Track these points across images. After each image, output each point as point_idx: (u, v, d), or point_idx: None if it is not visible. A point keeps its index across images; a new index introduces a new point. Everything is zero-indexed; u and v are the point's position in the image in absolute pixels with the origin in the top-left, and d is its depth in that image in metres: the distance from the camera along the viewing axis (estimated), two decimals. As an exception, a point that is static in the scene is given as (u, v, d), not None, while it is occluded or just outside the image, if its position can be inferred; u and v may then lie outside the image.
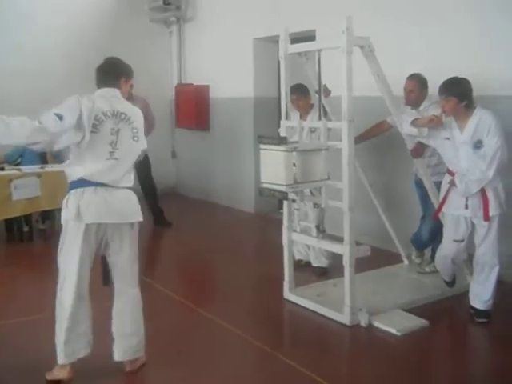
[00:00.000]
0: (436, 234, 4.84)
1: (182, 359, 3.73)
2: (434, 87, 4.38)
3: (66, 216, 3.26)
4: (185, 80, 9.27)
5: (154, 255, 6.77)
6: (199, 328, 4.27)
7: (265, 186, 4.18)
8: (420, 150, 4.73)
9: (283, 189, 4.03)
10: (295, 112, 5.20)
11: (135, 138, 3.39)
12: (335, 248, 4.34)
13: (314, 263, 5.38)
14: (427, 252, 5.26)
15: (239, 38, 7.91)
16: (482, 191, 4.05)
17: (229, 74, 8.20)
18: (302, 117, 5.17)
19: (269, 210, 7.79)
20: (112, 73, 3.45)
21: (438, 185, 4.52)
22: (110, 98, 3.36)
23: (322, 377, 3.44)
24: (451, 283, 4.63)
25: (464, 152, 4.08)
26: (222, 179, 8.60)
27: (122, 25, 8.91)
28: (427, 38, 5.46)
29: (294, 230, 4.66)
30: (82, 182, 3.24)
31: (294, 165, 4.08)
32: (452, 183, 4.16)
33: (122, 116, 3.33)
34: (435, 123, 4.14)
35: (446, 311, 4.52)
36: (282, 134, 4.54)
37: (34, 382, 3.43)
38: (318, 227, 4.56)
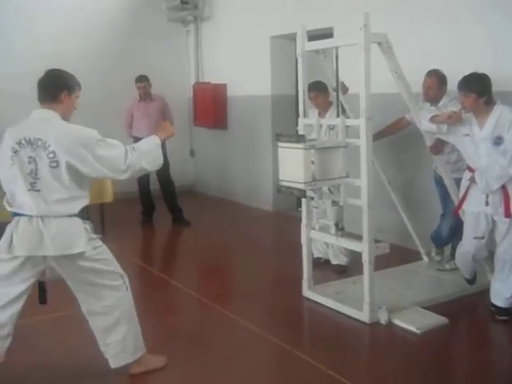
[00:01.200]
0: (456, 231, 4.81)
1: (201, 357, 3.74)
2: (453, 83, 4.35)
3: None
4: (202, 79, 9.29)
5: (173, 253, 6.82)
6: (218, 326, 4.29)
7: (283, 183, 4.18)
8: (439, 146, 4.70)
9: (301, 186, 4.02)
10: (314, 109, 5.20)
11: (53, 164, 3.05)
12: (354, 246, 4.33)
13: (333, 261, 5.37)
14: (447, 249, 5.22)
15: (256, 36, 7.91)
16: (503, 188, 4.01)
17: (246, 73, 8.21)
18: (321, 114, 5.16)
19: (287, 208, 7.79)
20: (51, 88, 3.19)
21: (458, 181, 4.49)
22: (34, 122, 3.15)
23: (342, 375, 3.44)
24: (471, 281, 4.59)
25: (484, 148, 4.04)
26: (240, 177, 8.61)
27: (140, 24, 8.97)
28: (446, 33, 5.41)
29: (313, 228, 4.66)
30: (17, 213, 3.13)
31: (313, 162, 4.08)
32: (472, 180, 4.12)
33: (39, 142, 3.06)
34: (454, 119, 4.11)
35: (466, 309, 4.48)
36: (300, 131, 4.53)
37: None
38: (336, 225, 4.56)
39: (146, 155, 3.28)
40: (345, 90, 5.04)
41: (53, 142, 3.05)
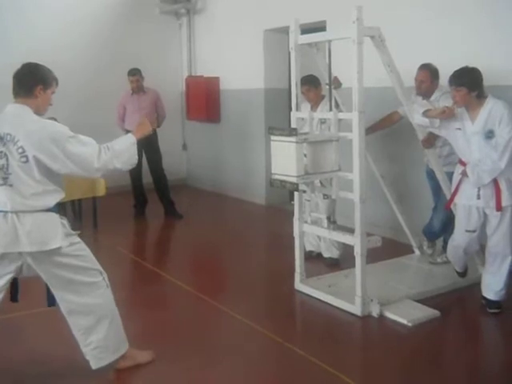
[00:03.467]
0: (448, 225, 4.83)
1: (194, 350, 3.74)
2: (445, 77, 4.36)
3: None
4: (195, 72, 9.27)
5: (165, 247, 6.82)
6: (209, 319, 4.30)
7: (276, 177, 4.19)
8: (431, 140, 4.71)
9: (294, 180, 4.03)
10: (306, 103, 5.20)
11: (23, 159, 3.00)
12: (346, 239, 4.35)
13: (325, 254, 5.39)
14: (439, 243, 5.25)
15: (249, 29, 7.90)
16: (495, 181, 4.03)
17: (239, 66, 8.20)
18: (313, 108, 5.16)
19: (280, 202, 7.80)
20: (25, 82, 3.11)
21: (450, 175, 4.51)
22: (5, 117, 3.08)
23: (334, 367, 3.46)
24: (463, 274, 4.62)
25: (476, 142, 4.06)
26: (233, 171, 8.61)
27: (133, 17, 8.94)
28: (438, 27, 5.42)
29: (305, 222, 4.67)
30: None
31: (305, 156, 4.09)
32: (464, 174, 4.14)
33: (8, 137, 3.01)
34: (447, 114, 4.12)
35: (457, 302, 4.51)
36: (293, 125, 4.53)
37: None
38: (328, 218, 4.57)
39: (121, 155, 3.18)
40: (338, 84, 5.04)
41: (22, 137, 3.00)
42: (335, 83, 4.90)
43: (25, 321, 4.16)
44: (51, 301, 3.29)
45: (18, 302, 3.35)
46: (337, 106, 4.88)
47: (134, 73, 7.22)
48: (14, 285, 3.27)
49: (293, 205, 4.83)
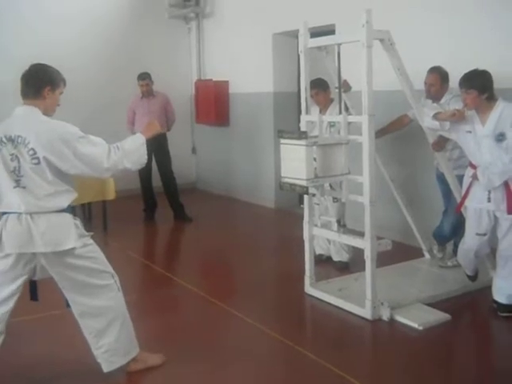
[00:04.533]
0: (458, 228, 4.81)
1: (204, 353, 3.75)
2: (454, 80, 4.35)
3: None
4: (204, 76, 9.29)
5: (175, 250, 6.84)
6: (220, 322, 4.30)
7: (285, 180, 4.19)
8: (442, 143, 4.70)
9: (304, 183, 4.03)
10: (315, 106, 5.20)
11: (34, 161, 3.02)
12: (356, 242, 4.34)
13: (335, 258, 5.38)
14: (449, 246, 5.23)
15: (258, 32, 7.91)
16: (506, 184, 4.01)
17: (248, 70, 8.21)
18: (322, 111, 5.16)
19: (289, 205, 7.79)
20: (32, 83, 3.12)
21: (460, 178, 4.49)
22: (15, 119, 3.11)
23: (344, 370, 3.45)
24: (474, 277, 4.59)
25: (486, 145, 4.04)
26: (243, 174, 8.62)
27: (142, 21, 8.99)
28: (448, 31, 5.41)
29: (315, 225, 4.66)
30: (5, 211, 3.11)
31: (315, 159, 4.09)
32: (474, 177, 4.12)
33: (19, 139, 3.03)
34: (458, 117, 4.11)
35: (468, 305, 4.49)
36: (303, 128, 4.54)
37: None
38: (338, 221, 4.57)
39: (130, 155, 3.20)
40: (347, 88, 5.04)
41: (32, 139, 3.01)
42: (345, 87, 4.91)
43: (38, 323, 4.18)
44: (33, 295, 3.32)
45: (38, 301, 3.37)
46: (346, 109, 4.88)
47: (144, 77, 7.26)
48: (31, 284, 3.30)
49: (302, 208, 4.82)
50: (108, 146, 3.16)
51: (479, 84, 3.98)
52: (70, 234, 3.13)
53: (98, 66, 8.54)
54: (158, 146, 6.78)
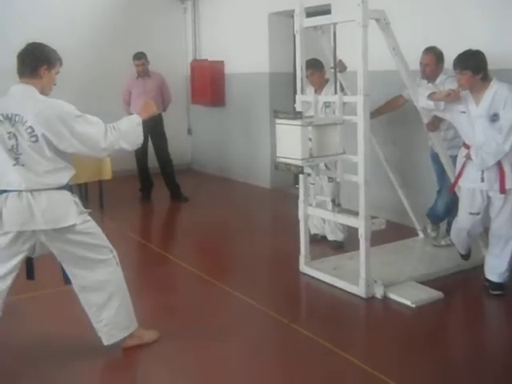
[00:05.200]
0: (452, 208, 4.86)
1: (199, 330, 3.80)
2: (449, 61, 4.36)
3: None
4: (200, 56, 9.27)
5: (171, 230, 6.87)
6: (215, 300, 4.35)
7: (281, 160, 4.22)
8: (436, 123, 4.72)
9: (299, 163, 4.06)
10: (310, 87, 5.21)
11: (32, 139, 3.04)
12: (350, 221, 4.38)
13: (330, 237, 5.42)
14: (443, 226, 5.28)
15: (254, 12, 7.88)
16: (499, 164, 4.05)
17: (244, 50, 8.19)
18: (317, 92, 5.17)
19: (285, 186, 7.83)
20: (28, 62, 3.12)
21: (454, 158, 4.52)
22: (12, 98, 3.10)
23: (338, 347, 3.51)
24: (466, 256, 4.65)
25: (480, 125, 4.07)
26: (238, 155, 8.64)
27: (137, 1, 8.92)
28: (443, 11, 5.41)
29: (310, 205, 4.70)
30: (5, 189, 3.12)
31: (310, 139, 4.11)
32: (468, 157, 4.16)
33: (17, 118, 3.03)
34: (453, 97, 4.13)
35: (461, 284, 4.55)
36: (298, 108, 4.55)
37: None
38: (333, 201, 4.61)
39: (127, 135, 3.24)
40: (343, 67, 5.04)
41: (30, 117, 3.03)
42: (340, 67, 4.91)
43: (35, 302, 4.23)
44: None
45: (35, 280, 3.40)
46: (342, 89, 4.89)
47: (140, 57, 7.23)
48: (28, 263, 3.33)
49: (297, 188, 4.86)
50: (105, 125, 3.18)
51: (473, 64, 4.00)
52: (71, 210, 3.17)
53: (93, 46, 8.49)
54: (153, 127, 6.77)
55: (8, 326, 3.46)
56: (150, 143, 7.22)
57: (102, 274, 3.33)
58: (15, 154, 3.07)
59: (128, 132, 3.25)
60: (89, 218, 3.31)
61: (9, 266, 3.19)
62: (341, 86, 4.87)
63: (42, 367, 3.39)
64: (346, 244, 5.29)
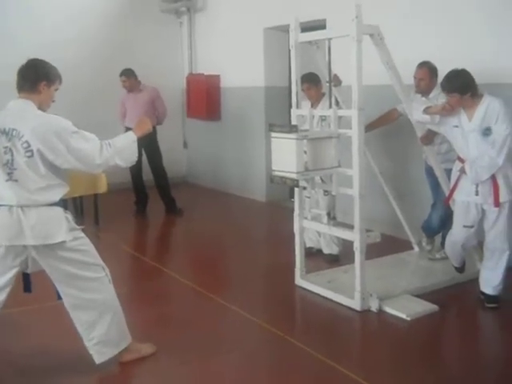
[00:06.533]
0: (446, 221, 4.88)
1: (193, 343, 3.79)
2: (443, 76, 4.40)
3: None
4: (196, 70, 9.31)
5: (166, 243, 6.87)
6: (211, 313, 4.35)
7: (276, 173, 4.24)
8: (430, 137, 4.76)
9: (294, 176, 4.08)
10: (306, 101, 5.25)
11: (28, 154, 3.03)
12: (346, 235, 4.40)
13: (325, 250, 5.43)
14: (437, 239, 5.30)
15: (249, 27, 7.94)
16: (493, 178, 4.08)
17: (239, 64, 8.24)
18: (313, 105, 5.21)
19: (280, 199, 7.84)
20: (29, 77, 3.15)
21: (449, 172, 4.55)
22: (10, 112, 3.12)
23: (333, 360, 3.50)
24: (461, 269, 4.66)
25: (473, 139, 4.10)
26: (234, 168, 8.66)
27: (134, 15, 8.99)
28: (437, 26, 5.46)
29: (305, 218, 4.72)
30: None
31: (305, 152, 4.14)
32: (462, 171, 4.19)
33: (14, 132, 3.04)
34: (447, 111, 4.16)
35: (455, 297, 4.56)
36: (293, 122, 4.58)
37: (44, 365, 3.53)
38: (328, 214, 4.62)
39: (122, 152, 3.24)
40: (338, 82, 5.08)
41: (27, 132, 3.03)
42: (335, 81, 4.95)
43: (32, 315, 4.21)
44: (27, 287, 3.35)
45: (31, 293, 3.39)
46: (337, 103, 4.92)
47: (122, 73, 7.31)
48: (25, 276, 3.32)
49: (293, 202, 4.88)
50: (100, 142, 3.18)
51: (459, 86, 4.03)
52: (61, 227, 3.15)
53: (91, 61, 8.53)
54: (147, 141, 6.77)
55: (3, 339, 3.45)
56: (144, 157, 7.24)
57: (94, 292, 3.30)
58: (9, 168, 3.07)
59: (123, 149, 3.26)
60: (81, 234, 3.29)
61: (3, 280, 3.18)
62: (336, 100, 4.91)
63: (36, 381, 3.37)
64: (341, 257, 5.30)
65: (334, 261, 5.31)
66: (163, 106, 7.48)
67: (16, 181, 3.08)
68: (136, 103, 7.24)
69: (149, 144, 7.02)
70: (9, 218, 3.09)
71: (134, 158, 3.33)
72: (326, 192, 5.02)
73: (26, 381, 3.38)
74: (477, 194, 4.16)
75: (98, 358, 3.37)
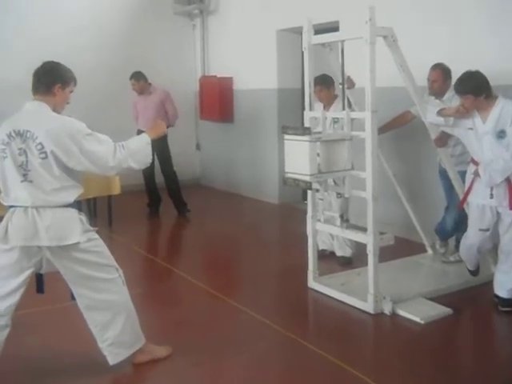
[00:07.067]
0: (460, 224, 4.85)
1: (208, 346, 3.80)
2: (456, 77, 4.38)
3: None
4: (208, 72, 9.33)
5: (179, 245, 6.89)
6: (223, 315, 4.35)
7: (289, 175, 4.24)
8: (444, 139, 4.73)
9: (307, 178, 4.07)
10: (319, 103, 5.24)
11: (42, 155, 3.06)
12: (359, 237, 4.38)
13: (338, 253, 5.42)
14: (451, 242, 5.27)
15: (262, 29, 7.95)
16: (507, 180, 4.04)
17: (252, 66, 8.25)
18: (326, 108, 5.20)
19: (293, 201, 7.84)
20: (44, 80, 3.17)
21: (462, 174, 4.53)
22: (25, 114, 3.16)
23: (347, 363, 3.50)
24: (475, 272, 4.63)
25: (487, 142, 4.08)
26: (246, 170, 8.67)
27: (146, 18, 9.03)
28: (451, 27, 5.44)
29: (318, 220, 4.71)
30: (13, 205, 3.15)
31: (318, 155, 4.13)
32: (476, 173, 4.16)
33: (28, 134, 3.06)
34: (462, 113, 4.14)
35: (469, 300, 4.53)
36: (306, 124, 4.58)
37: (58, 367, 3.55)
38: (341, 217, 4.61)
39: (135, 154, 3.26)
40: (351, 84, 5.07)
41: (40, 134, 3.05)
42: (349, 83, 4.95)
43: (44, 316, 4.24)
44: (39, 288, 3.36)
45: (44, 294, 3.41)
46: (350, 105, 4.91)
47: (131, 77, 7.36)
48: (38, 277, 3.34)
49: (306, 204, 4.87)
50: (114, 144, 3.20)
51: (473, 88, 4.01)
52: (75, 228, 3.17)
53: (103, 63, 8.58)
54: (158, 144, 6.80)
55: (16, 340, 3.47)
56: (156, 160, 7.26)
57: (107, 293, 3.32)
58: (24, 170, 3.10)
59: (137, 151, 3.27)
60: (95, 236, 3.31)
61: (17, 282, 3.20)
62: (349, 102, 4.90)
63: (49, 382, 3.39)
64: (354, 260, 5.28)
65: (347, 263, 5.29)
66: (173, 108, 7.50)
67: (31, 182, 3.10)
68: (146, 106, 7.28)
69: (159, 146, 7.03)
70: (24, 219, 3.11)
71: (147, 160, 3.35)
72: (339, 194, 5.00)
73: (39, 382, 3.40)
74: (491, 196, 4.13)
75: (112, 359, 3.39)
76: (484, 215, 4.20)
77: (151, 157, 3.37)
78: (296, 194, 7.76)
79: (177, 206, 7.53)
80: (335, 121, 5.07)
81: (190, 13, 9.41)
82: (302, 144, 4.06)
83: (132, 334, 3.44)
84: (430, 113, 4.41)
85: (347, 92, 4.75)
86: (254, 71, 8.26)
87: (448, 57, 5.03)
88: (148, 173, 7.34)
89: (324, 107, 5.19)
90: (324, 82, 5.22)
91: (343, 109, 4.46)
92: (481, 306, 4.46)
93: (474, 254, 4.43)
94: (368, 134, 4.12)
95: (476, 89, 4.00)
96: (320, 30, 4.75)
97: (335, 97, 5.27)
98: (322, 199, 5.06)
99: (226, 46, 8.84)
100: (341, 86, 4.57)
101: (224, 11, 8.87)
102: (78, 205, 3.29)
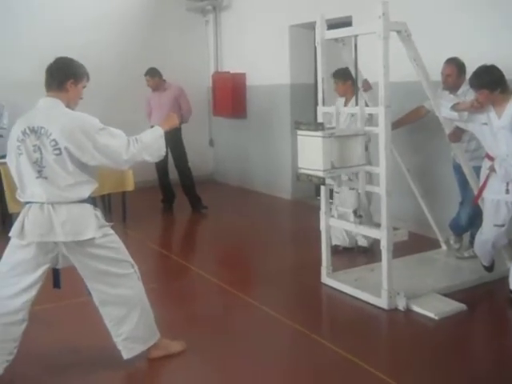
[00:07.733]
0: (475, 219, 4.83)
1: (222, 341, 3.81)
2: (471, 72, 4.35)
3: (11, 232, 3.20)
4: (221, 68, 9.34)
5: (193, 241, 6.91)
6: (237, 311, 4.37)
7: (302, 171, 4.23)
8: (458, 134, 4.71)
9: (321, 174, 4.07)
10: (341, 98, 5.24)
11: (56, 152, 3.08)
12: (372, 233, 4.38)
13: (360, 242, 5.46)
14: (466, 237, 5.24)
15: (275, 25, 7.94)
16: (523, 176, 4.02)
17: (265, 62, 8.24)
18: (346, 102, 5.20)
19: (306, 197, 7.83)
20: (57, 76, 3.19)
21: (477, 170, 4.50)
22: (38, 111, 3.17)
23: (361, 359, 3.49)
24: (490, 268, 4.61)
25: (503, 137, 4.05)
26: (260, 166, 8.67)
27: (159, 14, 9.05)
28: (465, 21, 5.40)
29: (332, 216, 4.70)
30: (29, 201, 3.18)
31: (331, 150, 4.12)
32: (491, 169, 4.13)
33: (42, 130, 3.08)
34: (476, 107, 4.11)
35: (484, 296, 4.51)
36: (319, 119, 4.57)
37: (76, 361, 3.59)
38: (355, 212, 4.60)
39: (149, 147, 3.27)
40: (368, 87, 5.04)
41: (54, 130, 3.07)
42: (365, 86, 4.95)
43: (60, 311, 4.28)
44: (56, 283, 3.39)
45: (60, 289, 3.43)
46: (366, 103, 4.90)
47: (146, 73, 7.39)
48: (55, 272, 3.37)
49: (319, 200, 4.86)
50: (127, 138, 3.21)
51: (488, 82, 3.97)
52: (90, 224, 3.19)
53: (116, 59, 8.62)
54: (172, 139, 6.83)
55: (33, 335, 3.51)
56: (170, 156, 7.29)
57: (123, 288, 3.34)
58: (39, 166, 3.12)
59: (151, 144, 3.29)
60: (110, 231, 3.33)
61: (34, 277, 3.23)
62: (365, 102, 4.88)
63: (65, 376, 3.42)
64: (369, 254, 5.29)
65: (365, 252, 5.37)
66: (188, 104, 7.52)
67: (46, 178, 3.13)
68: (160, 102, 7.31)
69: (173, 142, 7.07)
70: (40, 215, 3.14)
71: (161, 152, 3.36)
72: (353, 189, 5.00)
73: (55, 376, 3.43)
74: (507, 192, 4.11)
75: (126, 354, 3.42)
76: (499, 210, 4.18)
77: (165, 149, 3.39)
78: (309, 190, 7.76)
79: (192, 202, 7.55)
80: (353, 115, 5.06)
81: (202, 9, 9.41)
82: (315, 139, 4.06)
83: (146, 329, 3.46)
84: (444, 107, 4.39)
85: (364, 94, 4.73)
86: (266, 67, 8.25)
87: (462, 51, 4.99)
88: (162, 169, 7.38)
89: (345, 102, 5.18)
90: (339, 76, 5.22)
91: (356, 104, 4.45)
92: (495, 301, 4.45)
93: (489, 250, 4.40)
94: (381, 129, 4.10)
95: (491, 83, 3.97)
96: (333, 25, 4.73)
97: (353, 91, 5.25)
98: (338, 192, 5.06)
99: (239, 41, 8.83)
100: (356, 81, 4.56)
101: (237, 7, 8.86)
102: (93, 201, 3.31)
